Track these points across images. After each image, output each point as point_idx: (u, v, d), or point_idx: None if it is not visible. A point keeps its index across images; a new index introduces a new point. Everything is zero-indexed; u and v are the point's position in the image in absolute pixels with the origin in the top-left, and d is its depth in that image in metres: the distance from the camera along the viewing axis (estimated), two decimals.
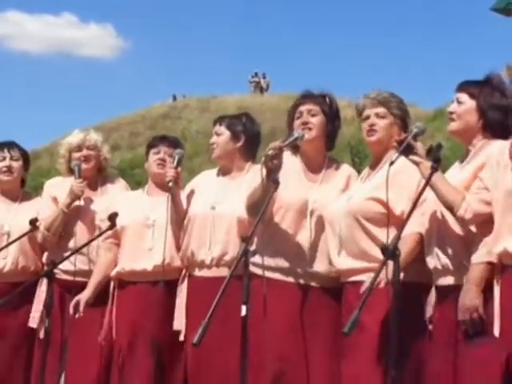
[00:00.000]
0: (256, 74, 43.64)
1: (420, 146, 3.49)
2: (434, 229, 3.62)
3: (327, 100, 4.23)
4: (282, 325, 4.00)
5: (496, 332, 3.30)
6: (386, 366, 3.26)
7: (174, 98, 42.29)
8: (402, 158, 3.49)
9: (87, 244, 4.64)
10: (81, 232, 4.93)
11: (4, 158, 5.22)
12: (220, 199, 4.44)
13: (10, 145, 5.28)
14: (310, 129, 4.14)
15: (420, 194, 3.37)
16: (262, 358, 3.94)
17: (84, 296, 4.71)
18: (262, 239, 4.10)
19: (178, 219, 4.53)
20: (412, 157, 3.48)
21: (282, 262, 4.07)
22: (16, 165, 5.24)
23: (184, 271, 4.55)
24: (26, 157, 5.34)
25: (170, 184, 4.48)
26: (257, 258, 3.98)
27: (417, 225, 3.68)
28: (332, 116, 4.24)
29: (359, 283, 3.70)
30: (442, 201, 3.49)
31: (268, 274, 4.05)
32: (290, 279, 4.07)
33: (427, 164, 3.43)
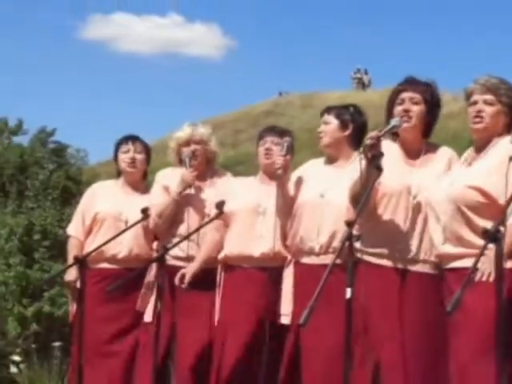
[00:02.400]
0: (358, 70, 43.40)
1: None
2: None
3: (430, 89, 4.27)
4: (382, 308, 4.06)
5: None
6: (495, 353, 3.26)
7: (280, 93, 42.53)
8: None
9: (196, 230, 4.82)
10: (191, 219, 5.09)
11: (128, 151, 5.42)
12: (329, 187, 4.50)
13: (134, 138, 5.48)
14: (410, 117, 4.17)
15: None
16: (364, 341, 4.04)
17: (191, 268, 4.90)
18: (367, 227, 4.14)
19: (286, 207, 4.63)
20: None
21: (387, 249, 4.11)
22: (139, 157, 5.43)
23: (289, 258, 4.66)
24: (148, 150, 5.53)
25: (279, 172, 4.58)
26: (362, 245, 4.09)
27: None
28: (433, 105, 4.27)
29: (460, 270, 3.74)
30: None
31: (372, 259, 4.12)
32: (395, 265, 4.11)
33: None
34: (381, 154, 3.94)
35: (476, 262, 3.23)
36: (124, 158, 5.43)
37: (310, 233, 4.49)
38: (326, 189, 4.50)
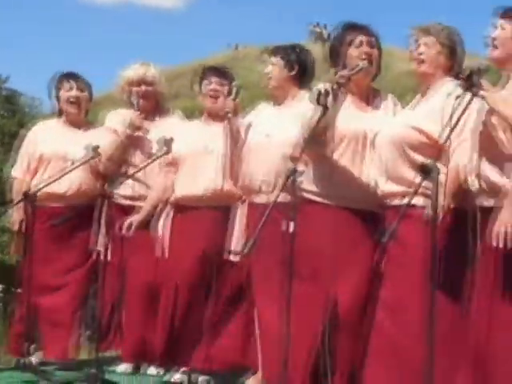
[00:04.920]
0: (317, 24, 43.37)
1: (485, 83, 3.46)
2: (476, 152, 3.64)
3: (377, 33, 4.31)
4: (335, 249, 4.11)
5: None
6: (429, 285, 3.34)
7: (236, 47, 42.31)
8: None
9: (143, 168, 4.87)
10: (140, 161, 5.14)
11: (71, 88, 5.40)
12: (274, 127, 4.56)
13: (76, 76, 5.46)
14: (370, 60, 4.20)
15: (457, 122, 3.38)
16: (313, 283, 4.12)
17: (136, 219, 5.01)
18: (322, 168, 4.19)
19: (237, 149, 4.71)
20: (477, 91, 3.42)
21: (344, 190, 4.16)
22: (82, 96, 5.43)
23: (243, 198, 4.73)
24: (90, 88, 5.51)
25: (229, 115, 4.64)
26: (315, 187, 4.17)
27: (462, 156, 3.75)
28: (381, 49, 4.33)
29: (401, 207, 3.76)
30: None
31: (328, 201, 4.17)
32: (353, 206, 4.16)
33: (494, 96, 3.43)
34: (328, 94, 3.94)
35: (412, 197, 3.31)
36: (68, 97, 5.41)
37: (258, 172, 4.55)
38: (272, 129, 4.56)
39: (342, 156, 4.17)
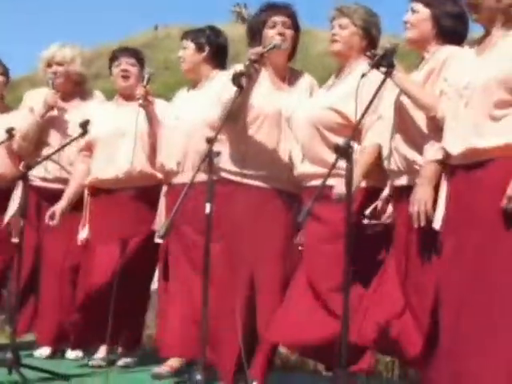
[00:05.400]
0: (237, 4, 43.23)
1: (397, 63, 3.52)
2: (392, 132, 3.71)
3: (295, 14, 4.34)
4: (254, 228, 4.13)
5: (436, 225, 3.44)
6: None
7: (156, 27, 41.89)
8: (374, 72, 3.52)
9: (59, 150, 4.83)
10: (55, 141, 5.13)
11: None
12: (185, 109, 4.61)
13: None
14: (285, 40, 4.23)
15: (371, 100, 3.41)
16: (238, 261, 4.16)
17: (59, 206, 4.98)
18: (239, 147, 4.22)
19: (153, 133, 4.74)
20: (383, 69, 3.51)
21: (260, 169, 4.18)
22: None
23: (163, 180, 4.74)
24: (5, 71, 5.48)
25: (140, 101, 4.65)
26: (233, 166, 4.19)
27: (376, 136, 3.82)
28: (299, 29, 4.37)
29: (317, 188, 3.85)
30: (416, 104, 3.54)
31: (246, 181, 4.20)
32: (269, 185, 4.19)
33: (402, 76, 3.51)
34: (259, 72, 4.02)
35: (326, 177, 3.33)
36: None
37: (170, 154, 4.58)
38: (182, 111, 4.61)
39: (257, 134, 4.20)
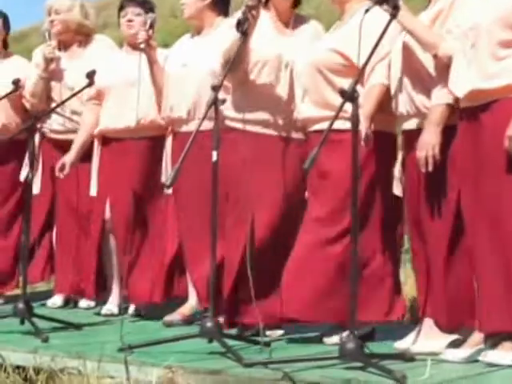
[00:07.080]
0: None
1: (401, 3, 3.47)
2: (399, 75, 3.67)
3: None
4: (262, 176, 4.12)
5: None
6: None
7: None
8: (378, 11, 3.49)
9: (66, 101, 4.77)
10: (61, 93, 5.10)
11: None
12: (192, 56, 4.55)
13: None
14: None
15: (378, 41, 3.38)
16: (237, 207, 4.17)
17: (69, 158, 4.97)
18: (241, 94, 4.19)
19: (156, 79, 4.67)
20: (387, 7, 3.47)
21: (262, 115, 4.16)
22: None
23: (170, 129, 4.70)
24: (5, 17, 5.46)
25: (142, 46, 4.60)
26: (236, 113, 4.16)
27: (381, 76, 3.78)
28: None
29: (323, 132, 3.84)
30: (420, 42, 3.51)
31: (248, 127, 4.17)
32: (271, 131, 4.17)
33: (404, 13, 3.46)
34: (257, 18, 3.98)
35: (333, 122, 3.31)
36: None
37: (177, 102, 4.53)
38: (189, 58, 4.55)
39: (258, 78, 4.16)
